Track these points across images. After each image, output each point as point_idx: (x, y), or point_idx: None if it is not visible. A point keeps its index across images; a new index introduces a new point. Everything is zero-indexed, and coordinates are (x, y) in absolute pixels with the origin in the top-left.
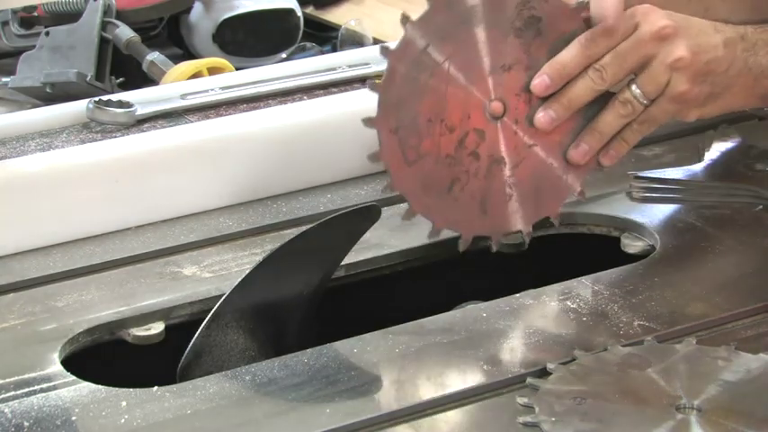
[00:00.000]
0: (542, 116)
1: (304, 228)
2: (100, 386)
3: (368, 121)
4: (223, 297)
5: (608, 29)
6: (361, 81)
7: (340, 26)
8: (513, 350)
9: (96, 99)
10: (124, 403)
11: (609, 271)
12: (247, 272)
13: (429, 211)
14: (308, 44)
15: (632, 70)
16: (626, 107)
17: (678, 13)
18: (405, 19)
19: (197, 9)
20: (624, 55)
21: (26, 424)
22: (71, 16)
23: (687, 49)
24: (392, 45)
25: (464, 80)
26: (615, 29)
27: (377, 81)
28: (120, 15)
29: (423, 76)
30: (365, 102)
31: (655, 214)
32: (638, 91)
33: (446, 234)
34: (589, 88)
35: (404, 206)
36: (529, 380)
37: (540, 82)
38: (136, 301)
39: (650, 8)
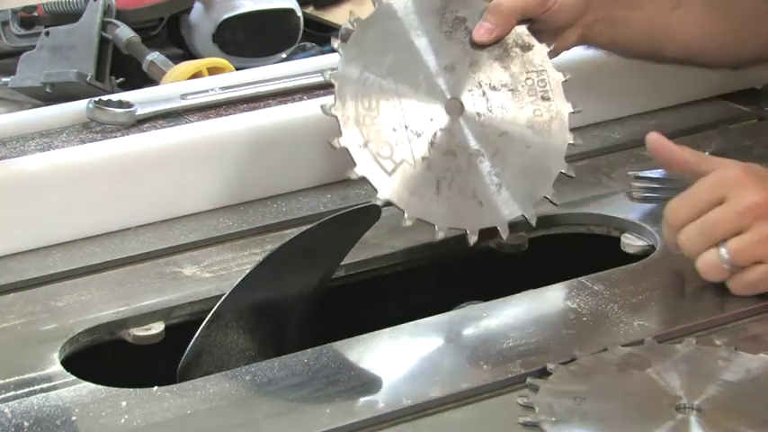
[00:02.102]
0: None
1: (304, 228)
2: (100, 386)
3: (334, 141)
4: (223, 297)
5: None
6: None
7: (340, 26)
8: (513, 350)
9: (96, 99)
10: (124, 403)
11: (609, 271)
12: (247, 272)
13: (426, 214)
14: (308, 44)
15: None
16: (708, 271)
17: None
18: (337, 42)
19: (197, 9)
20: (713, 227)
21: (26, 424)
22: (71, 16)
23: None
24: (334, 67)
25: (413, 87)
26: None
27: (330, 105)
28: (120, 15)
29: (371, 90)
30: None
31: (655, 214)
32: (726, 256)
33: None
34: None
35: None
36: (529, 380)
37: None
38: (136, 301)
39: (738, 177)
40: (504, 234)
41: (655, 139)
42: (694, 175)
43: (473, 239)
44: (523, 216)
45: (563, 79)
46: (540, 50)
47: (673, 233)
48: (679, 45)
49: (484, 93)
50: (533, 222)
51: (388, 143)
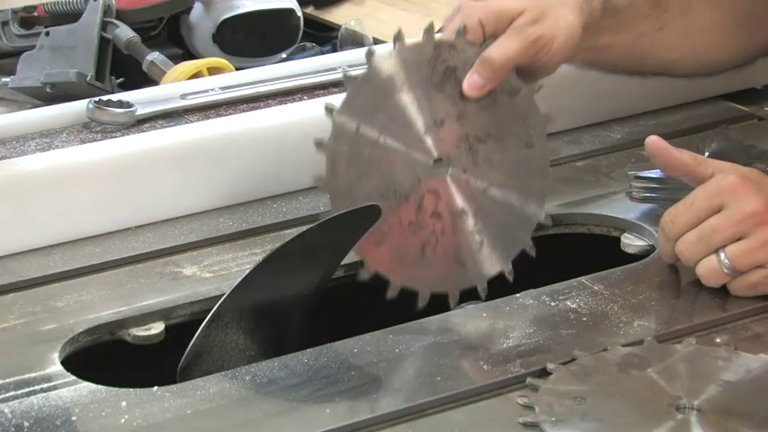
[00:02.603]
0: None
1: (304, 228)
2: (100, 386)
3: (326, 214)
4: (223, 297)
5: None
6: None
7: (340, 26)
8: (513, 350)
9: (96, 99)
10: (124, 403)
11: (609, 271)
12: (247, 272)
13: (410, 280)
14: (308, 44)
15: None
16: (708, 277)
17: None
18: (329, 109)
19: (197, 9)
20: (712, 234)
21: (26, 424)
22: (71, 16)
23: None
24: (326, 137)
25: (403, 147)
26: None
27: (322, 175)
28: (120, 15)
29: (364, 155)
30: None
31: (655, 214)
32: (726, 261)
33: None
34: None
35: None
36: (529, 380)
37: None
38: (136, 301)
39: (736, 185)
40: (483, 294)
41: (654, 141)
42: (693, 178)
43: (453, 303)
44: (503, 273)
45: (547, 122)
46: (526, 93)
47: (670, 243)
48: (656, 64)
49: (470, 147)
50: (511, 278)
51: None
